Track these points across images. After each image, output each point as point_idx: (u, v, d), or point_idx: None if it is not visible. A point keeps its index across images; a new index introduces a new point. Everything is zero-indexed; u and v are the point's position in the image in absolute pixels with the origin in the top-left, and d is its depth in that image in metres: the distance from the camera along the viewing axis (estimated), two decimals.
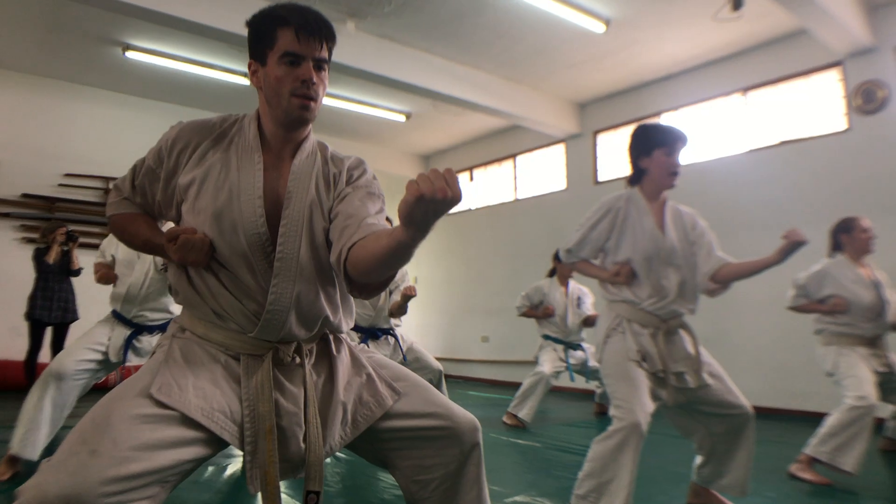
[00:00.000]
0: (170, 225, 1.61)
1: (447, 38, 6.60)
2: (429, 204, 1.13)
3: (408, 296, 4.55)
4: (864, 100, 5.95)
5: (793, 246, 2.40)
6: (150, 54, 6.85)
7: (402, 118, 8.97)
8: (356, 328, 4.65)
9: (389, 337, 4.76)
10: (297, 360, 1.59)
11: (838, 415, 3.54)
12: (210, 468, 3.66)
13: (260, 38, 1.56)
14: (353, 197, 1.60)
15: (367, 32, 6.45)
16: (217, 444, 1.45)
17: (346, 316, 1.72)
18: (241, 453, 1.71)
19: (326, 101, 8.09)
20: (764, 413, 5.83)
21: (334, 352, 1.67)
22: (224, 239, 1.51)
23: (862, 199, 5.66)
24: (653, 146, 2.68)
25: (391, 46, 6.68)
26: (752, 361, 6.29)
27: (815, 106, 6.41)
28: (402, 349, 4.80)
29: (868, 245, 3.92)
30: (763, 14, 5.83)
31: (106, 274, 3.72)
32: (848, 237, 3.96)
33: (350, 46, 6.31)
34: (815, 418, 3.71)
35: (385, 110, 8.71)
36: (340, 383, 1.62)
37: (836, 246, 4.03)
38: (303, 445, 1.52)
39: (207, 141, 1.58)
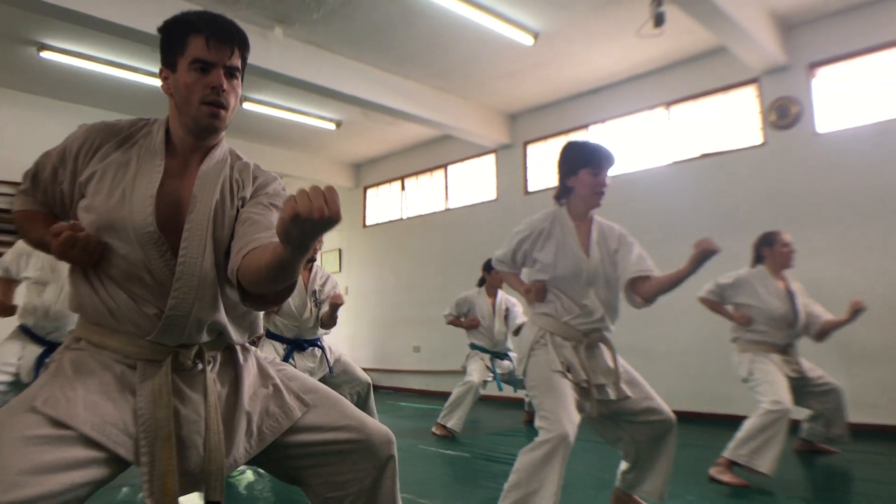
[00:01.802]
0: None
1: (377, 47, 6.56)
2: (305, 223, 1.11)
3: (336, 304, 4.48)
4: (779, 115, 6.21)
5: (704, 255, 2.43)
6: (66, 55, 6.53)
7: (332, 126, 8.86)
8: (281, 339, 4.54)
9: (316, 349, 4.65)
10: (199, 365, 1.53)
11: (755, 419, 3.66)
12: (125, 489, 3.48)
13: (171, 45, 1.53)
14: (256, 206, 1.57)
15: (295, 39, 6.34)
16: (115, 465, 1.38)
17: (251, 324, 1.67)
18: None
19: (255, 108, 7.93)
20: (687, 417, 5.99)
21: (240, 361, 1.62)
22: (117, 239, 1.46)
23: (778, 211, 5.90)
24: (579, 165, 2.70)
25: (320, 54, 6.59)
26: (675, 368, 6.46)
27: (733, 120, 6.66)
28: (328, 361, 4.70)
29: (788, 259, 4.10)
30: (684, 31, 6.02)
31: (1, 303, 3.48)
32: (769, 251, 4.13)
33: (278, 53, 6.19)
34: (735, 422, 3.81)
35: (315, 118, 8.58)
36: (245, 394, 1.57)
37: (758, 258, 4.19)
38: (194, 458, 1.46)
39: (112, 142, 1.53)
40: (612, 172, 2.74)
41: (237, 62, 1.55)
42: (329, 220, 1.11)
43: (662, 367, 6.48)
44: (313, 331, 4.61)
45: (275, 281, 1.32)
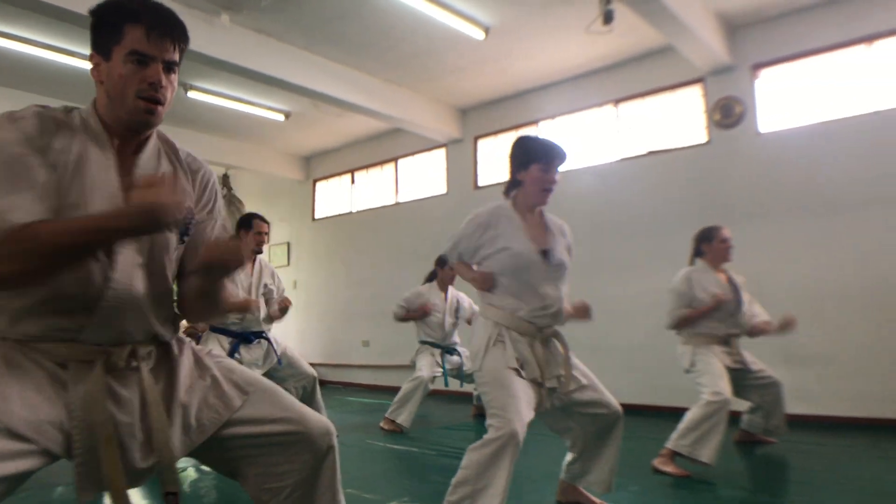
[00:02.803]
0: None
1: (328, 37, 6.46)
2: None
3: (285, 308, 4.54)
4: (723, 114, 6.35)
5: (579, 317, 2.78)
6: None
7: (281, 117, 8.71)
8: (227, 332, 4.45)
9: (262, 340, 4.58)
10: (134, 364, 1.48)
11: (696, 410, 3.74)
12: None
13: (105, 31, 1.45)
14: (209, 227, 1.63)
15: (242, 26, 6.20)
16: (47, 456, 1.34)
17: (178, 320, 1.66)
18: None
19: (200, 97, 7.74)
20: (635, 410, 6.08)
21: (175, 354, 1.59)
22: None
23: (722, 208, 6.02)
24: (531, 160, 2.69)
25: (268, 42, 6.45)
26: (624, 362, 6.55)
27: (679, 119, 6.78)
28: (276, 352, 4.64)
29: (727, 253, 4.20)
30: (633, 29, 6.10)
31: None
32: (708, 245, 4.22)
33: (224, 40, 6.04)
34: (680, 413, 3.88)
35: (263, 108, 8.42)
36: (181, 386, 1.54)
37: (698, 252, 4.28)
38: (137, 455, 1.43)
39: (54, 136, 1.42)
40: (561, 168, 2.74)
41: (176, 56, 1.49)
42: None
43: (612, 362, 6.56)
44: (259, 322, 4.54)
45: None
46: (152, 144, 1.56)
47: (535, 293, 2.65)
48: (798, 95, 6.06)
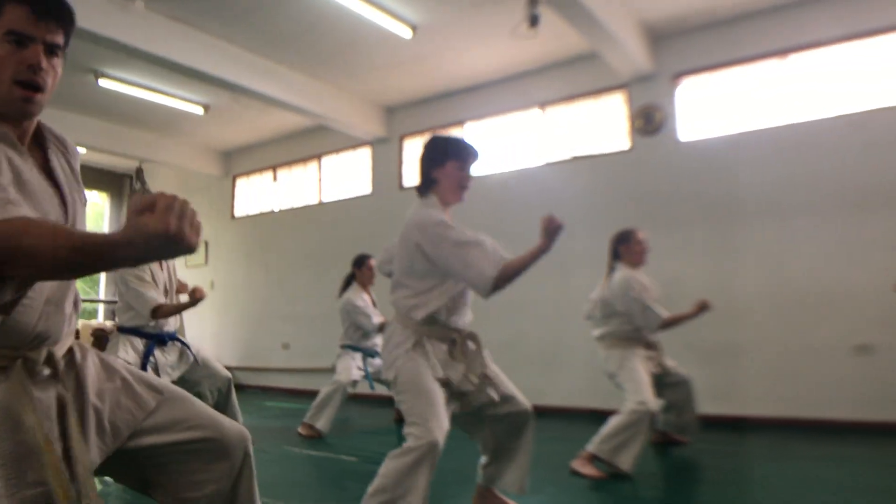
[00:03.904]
0: None
1: (249, 28, 6.23)
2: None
3: (198, 298, 4.23)
4: (645, 122, 6.48)
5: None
6: None
7: (199, 110, 8.37)
8: (140, 333, 4.20)
9: (176, 342, 4.36)
10: (48, 371, 1.37)
11: (620, 417, 3.78)
12: None
13: None
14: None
15: (158, 13, 5.89)
16: None
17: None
18: None
19: (112, 85, 7.35)
20: (553, 412, 6.12)
21: (78, 360, 1.47)
22: None
23: (643, 213, 6.12)
24: (447, 157, 2.65)
25: (185, 31, 6.16)
26: (544, 363, 6.60)
27: (604, 124, 6.88)
28: (192, 353, 4.43)
29: (642, 256, 4.28)
30: (559, 35, 6.13)
31: None
32: (625, 247, 4.29)
33: (139, 27, 5.73)
34: (601, 415, 3.91)
35: (180, 100, 8.06)
36: (90, 391, 1.44)
37: (615, 255, 4.33)
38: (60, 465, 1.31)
39: None
40: (487, 171, 2.71)
41: (60, 39, 1.35)
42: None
43: (531, 362, 6.61)
44: (173, 323, 4.32)
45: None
46: (48, 139, 1.44)
47: (464, 299, 2.64)
48: (717, 105, 6.25)
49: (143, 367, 4.10)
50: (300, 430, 5.27)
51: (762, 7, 5.85)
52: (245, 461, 1.57)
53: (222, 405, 4.75)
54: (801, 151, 5.66)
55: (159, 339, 4.23)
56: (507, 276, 2.48)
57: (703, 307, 4.12)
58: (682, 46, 6.35)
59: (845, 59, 5.66)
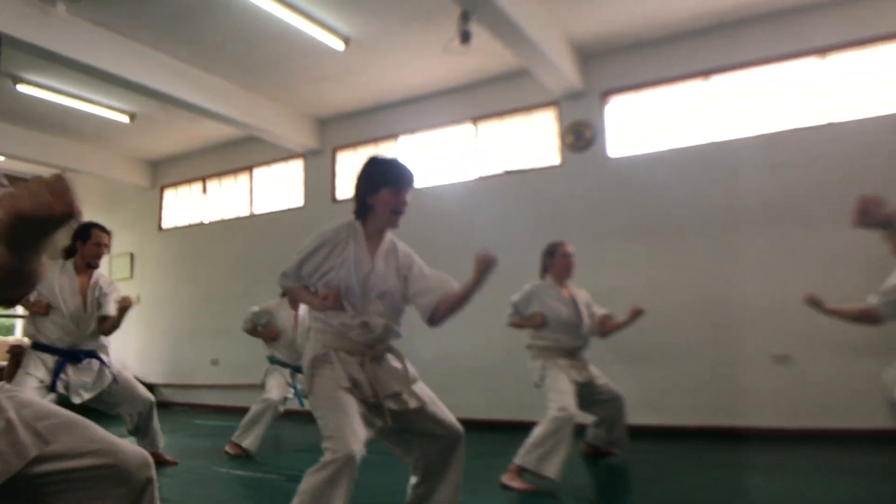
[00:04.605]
0: None
1: (178, 36, 6.08)
2: (32, 224, 0.94)
3: (125, 307, 4.09)
4: (575, 138, 6.63)
5: (485, 267, 2.48)
6: None
7: (125, 119, 8.10)
8: (53, 350, 4.01)
9: (93, 360, 4.18)
10: None
11: (542, 426, 3.82)
12: None
13: None
14: None
15: (81, 18, 5.69)
16: None
17: None
18: None
19: (33, 91, 7.07)
20: (486, 426, 6.15)
21: None
22: None
23: (574, 228, 6.22)
24: (381, 183, 2.62)
25: (110, 36, 5.96)
26: (477, 379, 6.63)
27: (535, 140, 6.99)
28: (110, 372, 4.26)
29: (569, 268, 4.39)
30: (492, 51, 6.20)
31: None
32: (552, 260, 4.39)
33: (60, 32, 5.53)
34: (529, 427, 3.94)
35: (105, 108, 7.80)
36: None
37: (545, 268, 4.42)
38: None
39: None
40: (420, 185, 2.69)
41: None
42: (62, 216, 0.94)
43: (461, 379, 6.63)
44: (91, 340, 4.16)
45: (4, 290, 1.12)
46: None
47: (361, 314, 2.60)
48: (644, 123, 6.44)
49: (53, 385, 3.93)
50: (227, 448, 5.10)
51: (686, 30, 6.09)
52: (147, 487, 1.51)
53: (143, 430, 4.58)
54: (721, 168, 5.90)
55: (73, 357, 4.06)
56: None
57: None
58: (611, 66, 6.53)
59: (763, 82, 5.94)
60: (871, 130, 5.40)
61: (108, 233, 4.28)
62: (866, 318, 3.46)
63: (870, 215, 2.34)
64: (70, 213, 0.95)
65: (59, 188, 0.93)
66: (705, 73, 6.14)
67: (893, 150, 5.26)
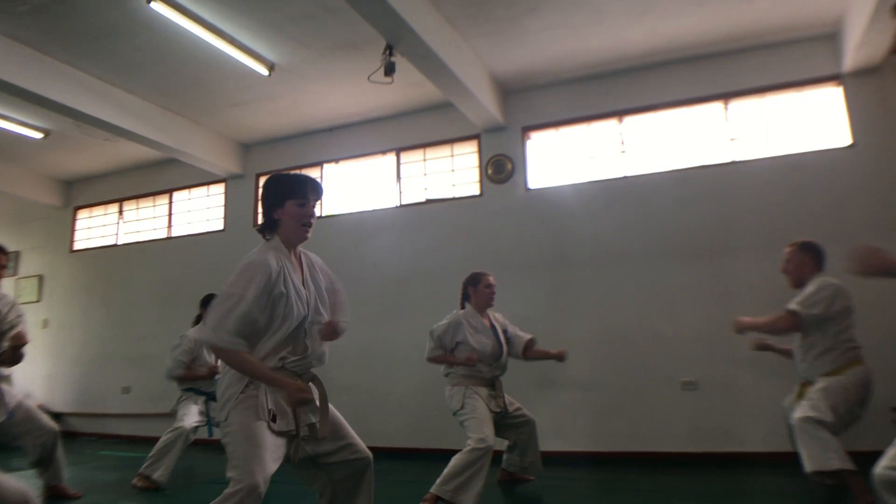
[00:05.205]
0: None
1: (95, 53, 5.93)
2: None
3: (19, 345, 3.83)
4: (495, 170, 6.80)
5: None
6: None
7: (38, 135, 7.80)
8: None
9: None
10: None
11: (461, 456, 3.86)
12: None
13: None
14: None
15: None
16: None
17: None
18: None
19: None
20: (406, 453, 6.14)
21: None
22: None
23: (494, 257, 6.38)
24: (285, 196, 2.59)
25: (24, 51, 5.77)
26: (395, 406, 6.64)
27: (457, 171, 7.13)
28: (6, 405, 4.06)
29: (490, 298, 4.48)
30: (416, 83, 6.33)
31: None
32: (474, 290, 4.48)
33: None
34: (441, 454, 3.98)
35: (15, 123, 7.48)
36: None
37: (466, 297, 4.50)
38: None
39: None
40: (342, 211, 2.69)
41: None
42: None
43: (381, 406, 6.63)
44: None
45: None
46: None
47: (299, 342, 2.55)
48: (563, 157, 6.69)
49: None
50: (135, 481, 4.88)
51: (603, 72, 6.41)
52: None
53: (45, 462, 4.38)
54: (633, 202, 6.18)
55: None
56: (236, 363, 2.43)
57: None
58: (531, 102, 6.77)
59: (673, 122, 6.28)
60: (772, 169, 5.77)
61: (6, 253, 4.11)
62: (785, 324, 3.72)
63: (873, 266, 2.32)
64: None
65: None
66: (620, 113, 6.45)
67: (792, 187, 5.64)
